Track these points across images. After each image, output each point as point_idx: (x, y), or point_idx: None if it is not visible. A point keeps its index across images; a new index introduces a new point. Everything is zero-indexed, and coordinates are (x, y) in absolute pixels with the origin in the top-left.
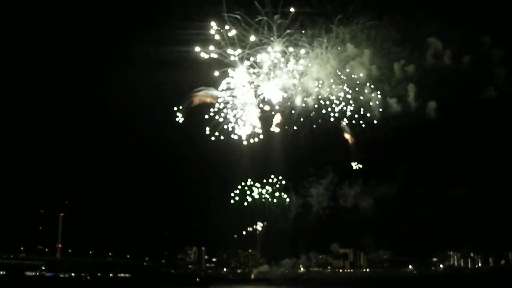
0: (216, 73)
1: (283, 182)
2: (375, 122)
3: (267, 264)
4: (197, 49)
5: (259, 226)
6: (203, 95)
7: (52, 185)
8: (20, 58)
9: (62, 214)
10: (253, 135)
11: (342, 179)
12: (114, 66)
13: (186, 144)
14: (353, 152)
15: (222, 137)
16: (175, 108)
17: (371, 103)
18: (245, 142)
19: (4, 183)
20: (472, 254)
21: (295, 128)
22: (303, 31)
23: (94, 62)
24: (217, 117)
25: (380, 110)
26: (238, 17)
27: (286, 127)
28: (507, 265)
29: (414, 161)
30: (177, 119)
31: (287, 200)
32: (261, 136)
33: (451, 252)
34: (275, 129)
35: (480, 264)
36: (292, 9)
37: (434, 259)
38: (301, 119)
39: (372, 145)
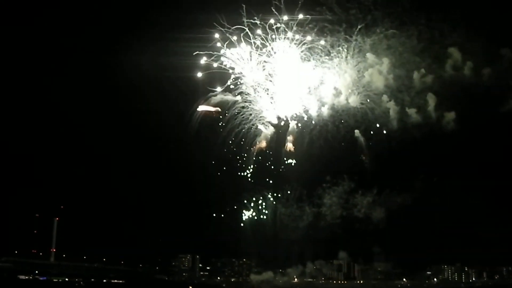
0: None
1: (296, 191)
2: (392, 132)
3: (272, 272)
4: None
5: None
6: (207, 107)
7: (48, 189)
8: (12, 60)
9: (57, 218)
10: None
11: (355, 189)
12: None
13: (185, 151)
14: (367, 162)
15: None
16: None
17: (390, 113)
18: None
19: None
20: (466, 268)
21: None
22: (322, 41)
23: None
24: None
25: (398, 120)
26: (257, 22)
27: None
28: (501, 280)
29: (430, 172)
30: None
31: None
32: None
33: (445, 266)
34: (289, 138)
35: (474, 279)
36: (308, 16)
37: (428, 273)
38: (316, 128)
39: (388, 156)
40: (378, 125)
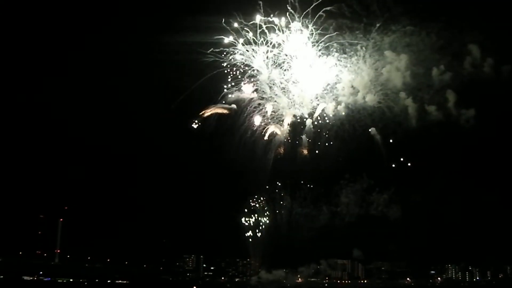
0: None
1: (313, 191)
2: (410, 130)
3: (283, 270)
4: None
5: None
6: (216, 107)
7: (52, 190)
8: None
9: (61, 219)
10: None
11: (371, 187)
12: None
13: (189, 152)
14: (384, 160)
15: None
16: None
17: (408, 111)
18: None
19: (4, 187)
20: (470, 267)
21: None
22: (340, 38)
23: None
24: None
25: (417, 118)
26: (274, 20)
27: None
28: (505, 278)
29: (448, 170)
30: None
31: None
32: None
33: (449, 265)
34: (304, 138)
35: (478, 277)
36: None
37: (432, 272)
38: (333, 127)
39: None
40: (396, 123)
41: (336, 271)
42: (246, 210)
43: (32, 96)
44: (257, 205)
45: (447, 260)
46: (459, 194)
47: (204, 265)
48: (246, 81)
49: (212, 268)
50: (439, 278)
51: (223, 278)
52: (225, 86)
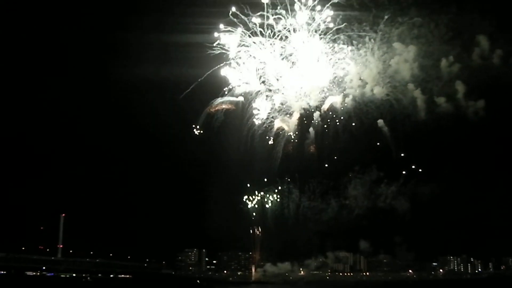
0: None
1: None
2: (419, 121)
3: (289, 263)
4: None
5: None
6: (220, 103)
7: (54, 185)
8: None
9: (63, 215)
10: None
11: (380, 180)
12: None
13: (194, 146)
14: (393, 152)
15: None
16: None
17: (417, 103)
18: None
19: (7, 183)
20: (472, 259)
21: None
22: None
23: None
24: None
25: (426, 110)
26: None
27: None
28: (507, 270)
29: (457, 162)
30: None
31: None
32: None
33: (451, 257)
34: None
35: (480, 269)
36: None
37: (434, 264)
38: (341, 119)
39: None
40: (404, 115)
41: (338, 264)
42: (252, 203)
43: (38, 96)
44: (264, 199)
45: (449, 252)
46: (466, 186)
47: (207, 259)
48: (253, 73)
49: (214, 262)
50: (441, 270)
51: (225, 271)
52: (232, 79)
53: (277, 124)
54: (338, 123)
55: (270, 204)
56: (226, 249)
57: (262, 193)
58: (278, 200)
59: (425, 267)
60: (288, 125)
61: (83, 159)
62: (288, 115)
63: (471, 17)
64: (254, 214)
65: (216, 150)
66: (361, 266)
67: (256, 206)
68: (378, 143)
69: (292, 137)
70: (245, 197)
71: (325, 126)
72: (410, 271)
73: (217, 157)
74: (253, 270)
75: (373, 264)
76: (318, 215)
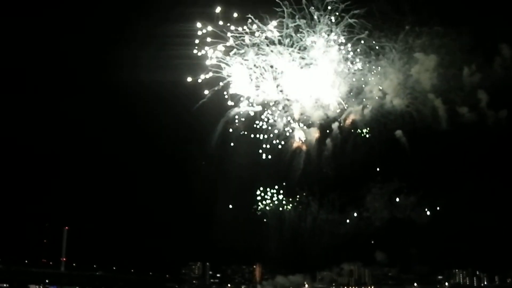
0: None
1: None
2: (440, 132)
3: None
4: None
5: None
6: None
7: (58, 198)
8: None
9: (67, 228)
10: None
11: (399, 190)
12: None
13: (199, 156)
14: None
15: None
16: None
17: (438, 113)
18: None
19: (9, 195)
20: (477, 272)
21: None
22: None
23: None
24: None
25: (447, 120)
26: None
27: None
28: None
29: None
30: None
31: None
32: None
33: (457, 270)
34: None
35: (486, 283)
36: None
37: (440, 277)
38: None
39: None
40: (425, 126)
41: (343, 277)
42: (268, 216)
43: (40, 103)
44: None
45: (455, 265)
46: (485, 199)
47: (210, 272)
48: (271, 83)
49: (218, 275)
50: (446, 284)
51: (229, 285)
52: (249, 88)
53: (296, 135)
54: (357, 135)
55: (286, 216)
56: (230, 262)
57: (279, 205)
58: (295, 212)
59: (431, 281)
60: (306, 136)
61: (87, 172)
62: (306, 127)
63: (493, 26)
64: (268, 226)
65: (229, 164)
66: (366, 279)
67: (271, 218)
68: (397, 154)
69: (311, 148)
70: (259, 207)
71: (344, 137)
72: (415, 284)
73: (229, 171)
74: (258, 283)
75: (378, 278)
76: (335, 228)
